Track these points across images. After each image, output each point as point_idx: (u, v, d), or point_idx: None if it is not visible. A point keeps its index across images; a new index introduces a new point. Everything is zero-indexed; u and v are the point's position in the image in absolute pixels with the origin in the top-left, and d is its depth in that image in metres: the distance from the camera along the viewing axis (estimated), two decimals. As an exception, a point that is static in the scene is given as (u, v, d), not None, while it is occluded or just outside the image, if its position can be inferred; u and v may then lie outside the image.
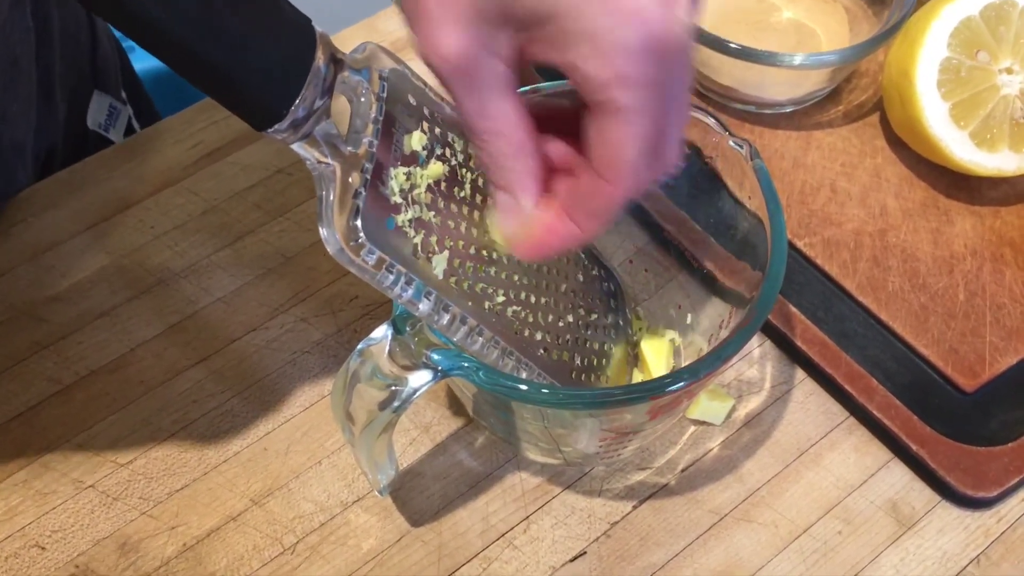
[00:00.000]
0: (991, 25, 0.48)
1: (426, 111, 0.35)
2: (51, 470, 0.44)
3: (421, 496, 0.43)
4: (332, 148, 0.31)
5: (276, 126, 0.30)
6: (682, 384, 0.35)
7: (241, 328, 0.48)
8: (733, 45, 0.49)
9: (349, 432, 0.37)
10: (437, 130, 0.35)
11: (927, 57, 0.48)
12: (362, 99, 0.32)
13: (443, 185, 0.34)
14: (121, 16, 0.28)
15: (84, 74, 0.62)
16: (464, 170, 0.35)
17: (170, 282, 0.50)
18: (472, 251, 0.35)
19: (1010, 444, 0.44)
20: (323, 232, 0.31)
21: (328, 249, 0.31)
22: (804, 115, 0.54)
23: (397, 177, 0.33)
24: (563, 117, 0.33)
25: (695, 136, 0.42)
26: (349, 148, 0.32)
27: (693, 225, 0.46)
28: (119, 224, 0.52)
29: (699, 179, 0.43)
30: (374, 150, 0.32)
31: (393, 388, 0.35)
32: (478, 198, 0.36)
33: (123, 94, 0.66)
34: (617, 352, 0.43)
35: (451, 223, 0.34)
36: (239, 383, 0.47)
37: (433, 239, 0.33)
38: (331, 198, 0.31)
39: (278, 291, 0.49)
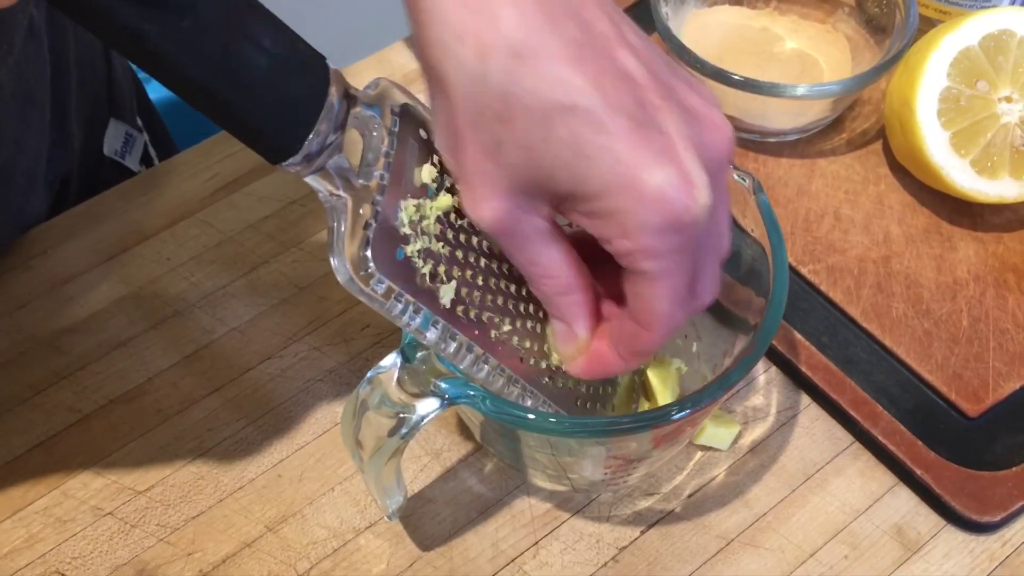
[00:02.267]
0: (990, 55, 0.49)
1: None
2: (70, 498, 0.45)
3: (432, 521, 0.44)
4: (344, 181, 0.32)
5: (290, 160, 0.31)
6: (685, 413, 0.36)
7: (255, 357, 0.49)
8: (736, 77, 0.50)
9: (359, 458, 0.38)
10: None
11: (927, 86, 0.49)
12: (374, 133, 0.33)
13: (452, 216, 0.35)
14: (139, 53, 0.29)
15: (100, 102, 0.63)
16: None
17: (186, 312, 0.51)
18: (480, 281, 0.36)
19: (1014, 469, 0.44)
20: (333, 262, 0.32)
21: (338, 278, 0.32)
22: (807, 143, 0.55)
23: (407, 209, 0.34)
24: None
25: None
26: (360, 181, 0.33)
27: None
28: (136, 256, 0.53)
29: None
30: (385, 183, 0.33)
31: (401, 415, 0.36)
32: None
33: (139, 121, 0.67)
34: (623, 380, 0.43)
35: (459, 253, 0.35)
36: (253, 411, 0.47)
37: (441, 269, 0.34)
38: (342, 229, 0.32)
39: (291, 320, 0.50)
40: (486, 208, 0.32)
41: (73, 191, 0.60)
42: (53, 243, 0.54)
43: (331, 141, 0.32)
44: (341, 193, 0.32)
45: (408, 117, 0.35)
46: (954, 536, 0.43)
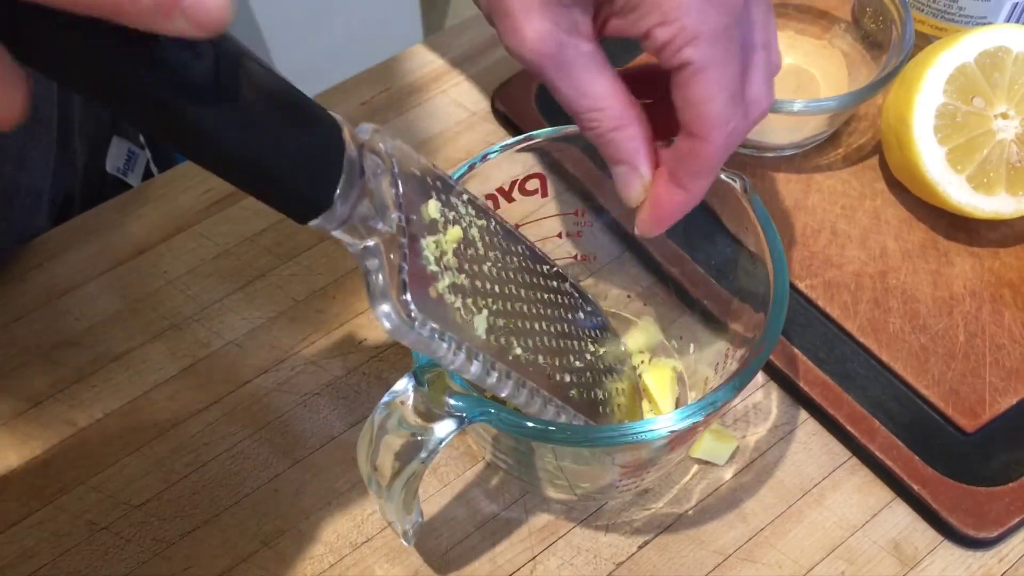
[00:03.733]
0: (986, 72, 0.49)
1: (429, 180, 0.35)
2: (66, 512, 0.45)
3: (429, 537, 0.44)
4: (369, 229, 0.32)
5: (321, 217, 0.30)
6: (707, 412, 0.36)
7: (252, 371, 0.49)
8: (733, 92, 0.50)
9: (376, 484, 0.37)
10: (443, 196, 0.35)
11: (924, 103, 0.49)
12: (381, 178, 0.33)
13: (463, 247, 0.35)
14: (178, 135, 0.27)
15: (103, 120, 0.63)
16: (473, 230, 0.36)
17: (183, 326, 0.51)
18: (501, 305, 0.36)
19: (1011, 484, 0.44)
20: (381, 310, 0.31)
21: (385, 327, 0.31)
22: (804, 158, 0.55)
23: (428, 247, 0.33)
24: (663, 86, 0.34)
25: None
26: (383, 226, 0.32)
27: (695, 267, 0.47)
28: (133, 269, 0.53)
29: (696, 216, 0.44)
30: (405, 224, 0.32)
31: (419, 438, 0.35)
32: (491, 254, 0.36)
33: (141, 139, 0.68)
34: (626, 383, 0.43)
35: (478, 283, 0.35)
36: (250, 425, 0.47)
37: (469, 301, 0.34)
38: (380, 278, 0.31)
39: (288, 334, 0.50)
40: (528, 31, 0.32)
41: (76, 208, 0.60)
42: (50, 255, 0.53)
43: (355, 192, 0.31)
44: (371, 242, 0.32)
45: (401, 157, 0.34)
46: (951, 552, 0.43)
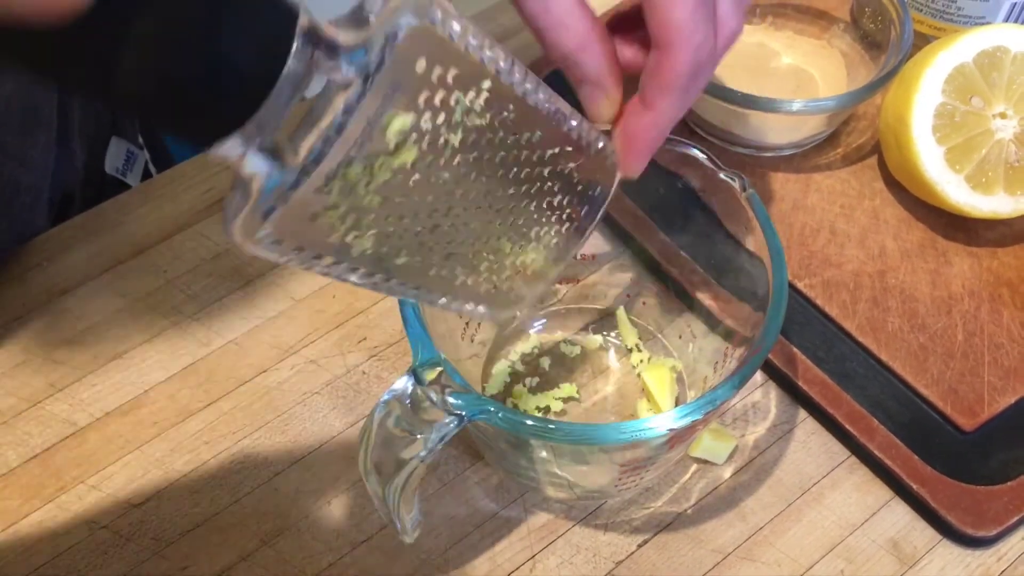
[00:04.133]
0: (984, 71, 0.49)
1: (435, 75, 0.28)
2: (65, 511, 0.45)
3: (429, 536, 0.44)
4: (273, 154, 0.26)
5: (223, 141, 0.25)
6: (707, 411, 0.36)
7: (252, 370, 0.49)
8: (733, 92, 0.51)
9: (375, 482, 0.37)
10: (439, 95, 0.28)
11: (922, 103, 0.49)
12: (343, 90, 0.26)
13: (408, 166, 0.29)
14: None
15: (102, 120, 0.63)
16: (455, 134, 0.30)
17: (182, 325, 0.51)
18: (418, 223, 0.31)
19: (1009, 483, 0.44)
20: (226, 222, 0.26)
21: (229, 236, 0.27)
22: (803, 158, 0.55)
23: (348, 174, 0.28)
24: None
25: (689, 173, 0.43)
26: (292, 152, 0.26)
27: (694, 266, 0.47)
28: (133, 268, 0.53)
29: (696, 216, 0.44)
30: (327, 148, 0.26)
31: (419, 437, 0.35)
32: (459, 158, 0.31)
33: (140, 139, 0.68)
34: (538, 256, 0.37)
35: (399, 199, 0.29)
36: (250, 424, 0.47)
37: (370, 219, 0.29)
38: (245, 200, 0.26)
39: (288, 333, 0.50)
40: None
41: (76, 208, 0.60)
42: (50, 255, 0.54)
43: (279, 121, 0.25)
44: (265, 163, 0.26)
45: (408, 49, 0.27)
46: (950, 550, 0.44)
